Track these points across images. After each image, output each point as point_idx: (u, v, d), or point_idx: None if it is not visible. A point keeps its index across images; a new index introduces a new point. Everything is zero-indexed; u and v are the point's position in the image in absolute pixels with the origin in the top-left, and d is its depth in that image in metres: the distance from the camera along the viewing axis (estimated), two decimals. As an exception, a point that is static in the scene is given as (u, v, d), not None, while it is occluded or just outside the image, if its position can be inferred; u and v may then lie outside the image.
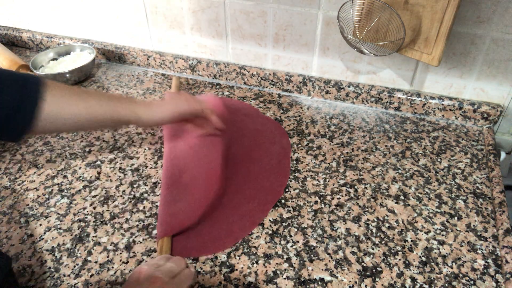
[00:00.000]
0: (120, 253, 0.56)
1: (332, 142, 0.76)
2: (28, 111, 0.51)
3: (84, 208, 0.64)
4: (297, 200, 0.64)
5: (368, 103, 0.85)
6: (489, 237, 0.57)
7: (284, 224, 0.60)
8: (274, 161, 0.70)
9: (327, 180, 0.67)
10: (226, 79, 0.96)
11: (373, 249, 0.56)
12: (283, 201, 0.63)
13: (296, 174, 0.68)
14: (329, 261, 0.54)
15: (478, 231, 0.58)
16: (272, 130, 0.78)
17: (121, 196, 0.66)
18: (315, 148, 0.74)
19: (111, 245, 0.58)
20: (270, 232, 0.59)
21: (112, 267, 0.54)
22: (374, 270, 0.53)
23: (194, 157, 0.67)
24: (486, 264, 0.54)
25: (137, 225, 0.61)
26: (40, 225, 0.61)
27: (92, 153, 0.75)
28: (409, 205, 0.62)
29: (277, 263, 0.54)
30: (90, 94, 0.58)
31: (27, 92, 0.51)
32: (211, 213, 0.61)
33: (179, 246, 0.57)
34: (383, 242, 0.57)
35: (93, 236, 0.59)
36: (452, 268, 0.53)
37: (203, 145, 0.68)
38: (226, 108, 0.71)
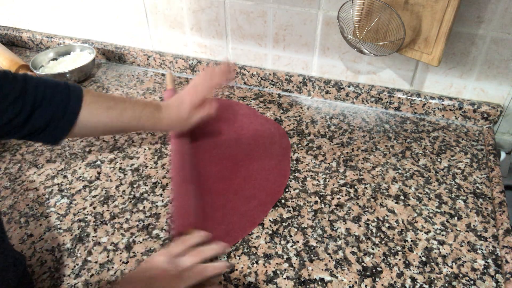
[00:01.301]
0: (120, 253, 0.56)
1: (332, 142, 0.76)
2: (69, 118, 0.57)
3: (84, 208, 0.64)
4: (297, 200, 0.64)
5: (368, 103, 0.85)
6: (489, 237, 0.57)
7: (284, 224, 0.60)
8: (274, 161, 0.70)
9: (327, 180, 0.67)
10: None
11: (373, 249, 0.56)
12: (283, 201, 0.63)
13: (296, 174, 0.68)
14: (329, 261, 0.54)
15: (478, 231, 0.58)
16: (272, 130, 0.78)
17: (121, 196, 0.66)
18: (315, 148, 0.74)
19: (111, 245, 0.58)
20: (270, 232, 0.59)
21: (112, 267, 0.54)
22: (374, 270, 0.53)
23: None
24: (486, 264, 0.54)
25: (137, 225, 0.61)
26: (40, 225, 0.61)
27: (92, 153, 0.75)
28: (409, 205, 0.62)
29: (277, 263, 0.54)
30: (118, 102, 0.62)
31: (71, 100, 0.57)
32: (210, 214, 0.61)
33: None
34: (383, 242, 0.57)
35: (93, 236, 0.59)
36: (452, 268, 0.53)
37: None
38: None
